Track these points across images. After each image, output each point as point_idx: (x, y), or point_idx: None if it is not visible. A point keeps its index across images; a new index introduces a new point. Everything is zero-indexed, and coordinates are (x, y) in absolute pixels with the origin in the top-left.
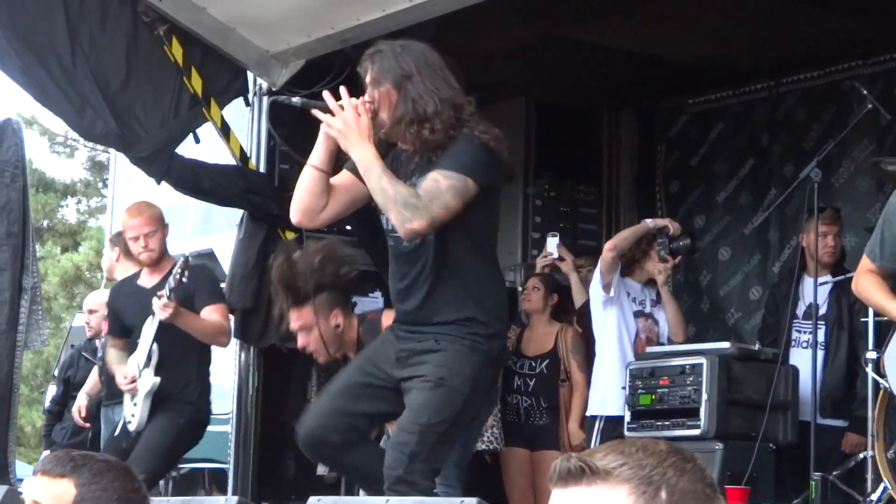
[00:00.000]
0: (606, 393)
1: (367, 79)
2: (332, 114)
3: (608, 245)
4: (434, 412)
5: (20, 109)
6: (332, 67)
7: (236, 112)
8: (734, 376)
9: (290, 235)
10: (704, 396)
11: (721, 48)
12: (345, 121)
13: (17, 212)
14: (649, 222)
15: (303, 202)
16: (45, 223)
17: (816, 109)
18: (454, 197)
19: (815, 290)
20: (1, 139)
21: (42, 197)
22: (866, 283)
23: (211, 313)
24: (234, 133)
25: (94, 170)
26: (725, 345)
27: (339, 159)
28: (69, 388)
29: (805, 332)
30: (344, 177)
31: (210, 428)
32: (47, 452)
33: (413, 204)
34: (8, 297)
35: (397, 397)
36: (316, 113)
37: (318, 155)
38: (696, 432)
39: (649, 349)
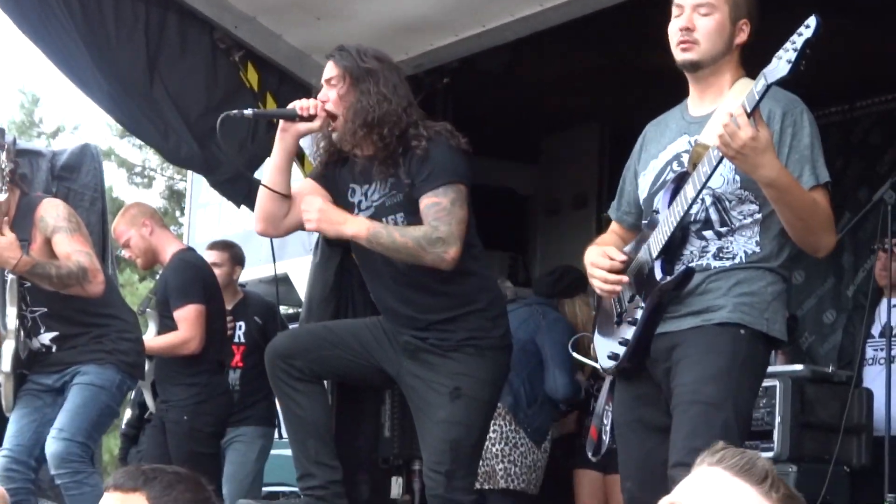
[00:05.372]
0: None
1: (325, 77)
2: (288, 118)
3: None
4: (462, 428)
5: (98, 141)
6: None
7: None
8: (808, 399)
9: None
10: (778, 419)
11: (794, 73)
12: (317, 209)
13: (97, 235)
14: None
15: (263, 209)
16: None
17: (891, 132)
18: (461, 207)
19: (888, 310)
20: (80, 164)
21: None
22: (596, 240)
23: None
24: (308, 158)
25: (172, 198)
26: (799, 367)
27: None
28: (144, 412)
29: (881, 350)
30: (306, 185)
31: (284, 451)
32: None
33: (436, 238)
34: None
35: (376, 374)
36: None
37: (271, 174)
38: (769, 455)
39: None
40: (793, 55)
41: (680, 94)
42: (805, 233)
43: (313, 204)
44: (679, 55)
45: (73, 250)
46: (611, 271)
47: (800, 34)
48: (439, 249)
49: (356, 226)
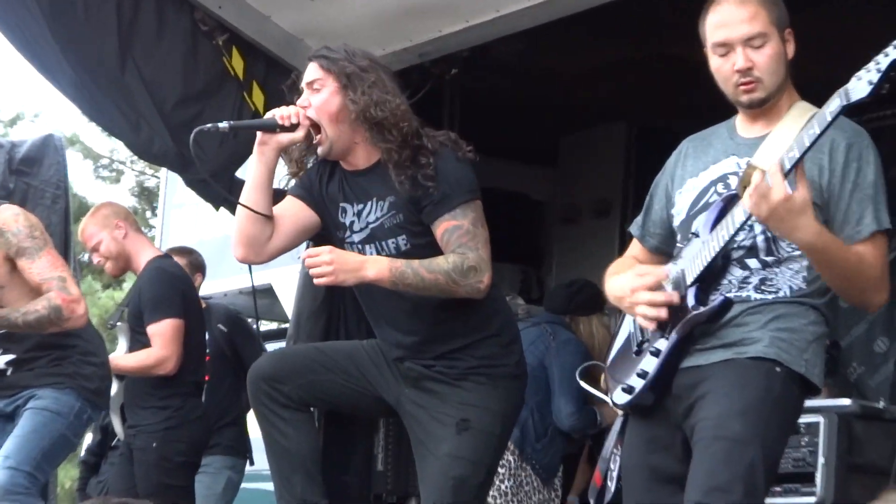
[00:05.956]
0: None
1: (307, 80)
2: (267, 128)
3: None
4: (467, 464)
5: (61, 127)
6: (410, 84)
7: None
8: (856, 437)
9: None
10: (821, 460)
11: (844, 71)
12: (328, 259)
13: (59, 236)
14: None
15: (243, 232)
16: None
17: None
18: (483, 226)
19: None
20: (41, 157)
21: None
22: (611, 269)
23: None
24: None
25: (143, 197)
26: (846, 401)
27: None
28: (107, 438)
29: None
30: (289, 204)
31: (259, 485)
32: None
33: (467, 267)
34: None
35: (373, 402)
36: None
37: (251, 191)
38: (811, 500)
39: None
40: (875, 76)
41: (715, 90)
42: (851, 292)
43: (321, 255)
44: (743, 98)
45: (43, 279)
46: (653, 289)
47: (886, 54)
48: (473, 280)
49: (377, 268)
